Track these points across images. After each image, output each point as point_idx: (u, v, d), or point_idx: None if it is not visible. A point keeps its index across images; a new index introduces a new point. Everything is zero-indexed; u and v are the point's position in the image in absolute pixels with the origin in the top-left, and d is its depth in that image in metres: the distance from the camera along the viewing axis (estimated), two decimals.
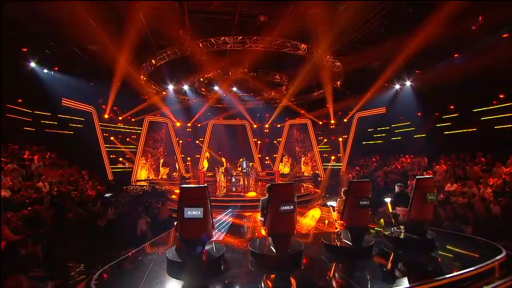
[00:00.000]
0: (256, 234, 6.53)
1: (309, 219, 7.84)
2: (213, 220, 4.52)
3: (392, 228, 5.62)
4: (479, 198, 8.05)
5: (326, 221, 7.35)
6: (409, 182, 11.46)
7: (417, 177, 5.05)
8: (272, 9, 7.93)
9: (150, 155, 17.71)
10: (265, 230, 4.55)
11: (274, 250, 4.51)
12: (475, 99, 10.85)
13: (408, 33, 8.27)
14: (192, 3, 7.38)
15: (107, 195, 5.67)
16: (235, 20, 8.29)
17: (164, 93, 14.76)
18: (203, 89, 14.44)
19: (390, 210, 5.69)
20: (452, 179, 9.74)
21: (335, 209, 5.14)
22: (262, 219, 4.60)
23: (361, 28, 7.97)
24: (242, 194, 11.13)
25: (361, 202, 4.61)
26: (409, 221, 5.16)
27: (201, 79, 12.72)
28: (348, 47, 9.14)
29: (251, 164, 13.23)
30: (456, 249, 5.15)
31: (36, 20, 7.73)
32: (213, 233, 6.68)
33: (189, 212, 4.17)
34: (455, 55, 10.08)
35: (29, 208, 6.72)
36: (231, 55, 10.45)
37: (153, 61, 10.35)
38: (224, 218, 8.14)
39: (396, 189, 5.71)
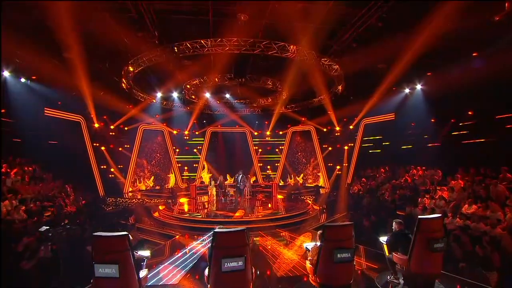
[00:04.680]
0: None
1: (294, 251, 6.61)
2: (140, 277, 3.44)
3: (388, 277, 4.37)
4: (507, 225, 6.59)
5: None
6: (419, 199, 10.05)
7: (419, 217, 3.78)
8: (252, 6, 6.84)
9: (146, 163, 17.02)
10: None
11: None
12: (497, 104, 9.34)
13: (414, 28, 6.97)
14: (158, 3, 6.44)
15: (42, 229, 4.75)
16: (211, 20, 7.27)
17: (154, 100, 13.98)
18: (193, 96, 13.53)
19: (386, 254, 4.42)
20: (471, 199, 8.25)
21: (309, 257, 3.95)
22: (206, 274, 3.50)
23: (356, 24, 6.75)
24: (230, 214, 9.96)
25: (338, 255, 3.40)
26: (408, 273, 3.89)
27: (188, 86, 11.81)
28: (344, 47, 7.91)
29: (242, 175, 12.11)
30: None
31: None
32: (174, 271, 5.72)
33: (100, 269, 3.14)
34: (474, 54, 8.59)
35: None
36: (215, 60, 9.46)
37: (130, 68, 9.50)
38: (198, 246, 7.05)
39: (394, 226, 4.43)
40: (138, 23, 6.23)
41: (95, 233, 3.21)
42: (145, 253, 4.05)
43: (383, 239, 4.52)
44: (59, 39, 7.43)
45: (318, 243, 3.78)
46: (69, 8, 5.92)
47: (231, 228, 3.39)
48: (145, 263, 4.01)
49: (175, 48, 8.15)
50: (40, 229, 4.79)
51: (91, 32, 7.05)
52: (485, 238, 6.36)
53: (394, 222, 4.45)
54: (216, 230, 3.31)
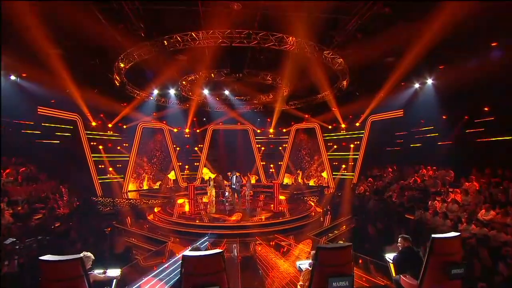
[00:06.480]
0: None
1: (292, 261, 6.04)
2: None
3: None
4: None
5: None
6: (430, 202, 9.36)
7: (432, 235, 3.16)
8: None
9: (146, 161, 16.65)
10: None
11: None
12: None
13: (425, 15, 6.26)
14: None
15: (8, 241, 4.30)
16: (201, 11, 6.69)
17: (151, 98, 13.51)
18: (190, 93, 13.00)
19: (393, 274, 3.83)
20: (488, 204, 7.54)
21: (300, 281, 3.38)
22: None
23: (360, 11, 6.08)
24: (226, 217, 9.41)
25: (334, 284, 2.82)
26: None
27: (184, 83, 11.27)
28: (348, 38, 7.24)
29: (238, 174, 11.55)
30: None
31: None
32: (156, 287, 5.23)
33: None
34: (493, 44, 7.78)
35: None
36: (210, 54, 8.88)
37: (121, 64, 9.02)
38: None
39: (400, 243, 3.82)
40: (118, 14, 5.70)
41: (42, 258, 2.70)
42: (114, 272, 3.53)
43: (389, 256, 3.91)
44: (45, 35, 7.00)
45: (312, 262, 3.22)
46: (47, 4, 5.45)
47: (205, 251, 2.84)
48: (113, 285, 3.50)
49: (165, 41, 7.61)
50: (5, 241, 4.33)
51: (77, 27, 6.55)
52: (505, 250, 5.70)
53: (399, 238, 3.83)
54: (185, 253, 2.77)
